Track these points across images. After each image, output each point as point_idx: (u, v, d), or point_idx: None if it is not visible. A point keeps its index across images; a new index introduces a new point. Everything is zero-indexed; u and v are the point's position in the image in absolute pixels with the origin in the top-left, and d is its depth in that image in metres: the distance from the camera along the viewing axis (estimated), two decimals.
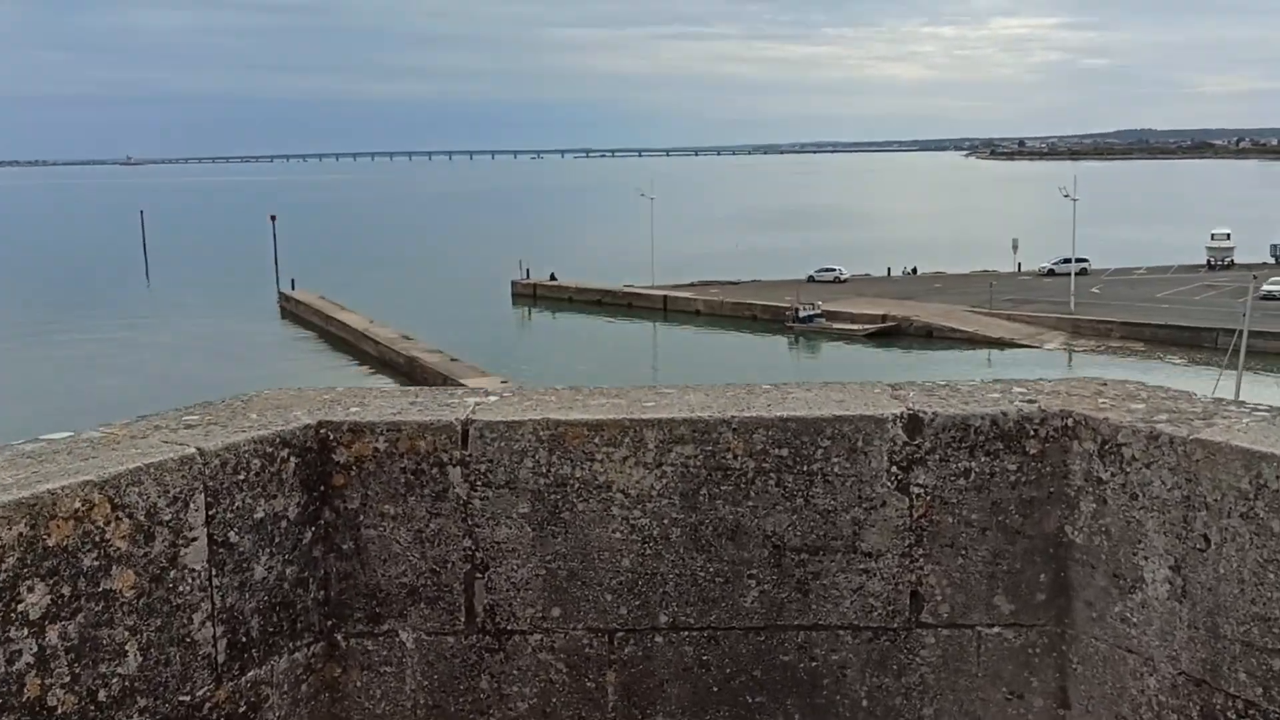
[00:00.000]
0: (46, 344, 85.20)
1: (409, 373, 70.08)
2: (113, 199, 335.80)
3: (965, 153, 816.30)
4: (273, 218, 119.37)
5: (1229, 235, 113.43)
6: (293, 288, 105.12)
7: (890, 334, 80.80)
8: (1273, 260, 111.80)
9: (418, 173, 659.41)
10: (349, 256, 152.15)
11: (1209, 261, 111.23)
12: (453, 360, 68.87)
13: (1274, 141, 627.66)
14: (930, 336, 79.58)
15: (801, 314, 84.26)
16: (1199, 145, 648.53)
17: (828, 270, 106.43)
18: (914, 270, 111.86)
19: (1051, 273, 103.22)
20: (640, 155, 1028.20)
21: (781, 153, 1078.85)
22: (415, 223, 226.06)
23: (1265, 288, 74.16)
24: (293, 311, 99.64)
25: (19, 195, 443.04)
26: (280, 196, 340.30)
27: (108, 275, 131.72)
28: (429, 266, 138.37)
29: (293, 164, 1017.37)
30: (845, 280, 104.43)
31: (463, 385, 60.91)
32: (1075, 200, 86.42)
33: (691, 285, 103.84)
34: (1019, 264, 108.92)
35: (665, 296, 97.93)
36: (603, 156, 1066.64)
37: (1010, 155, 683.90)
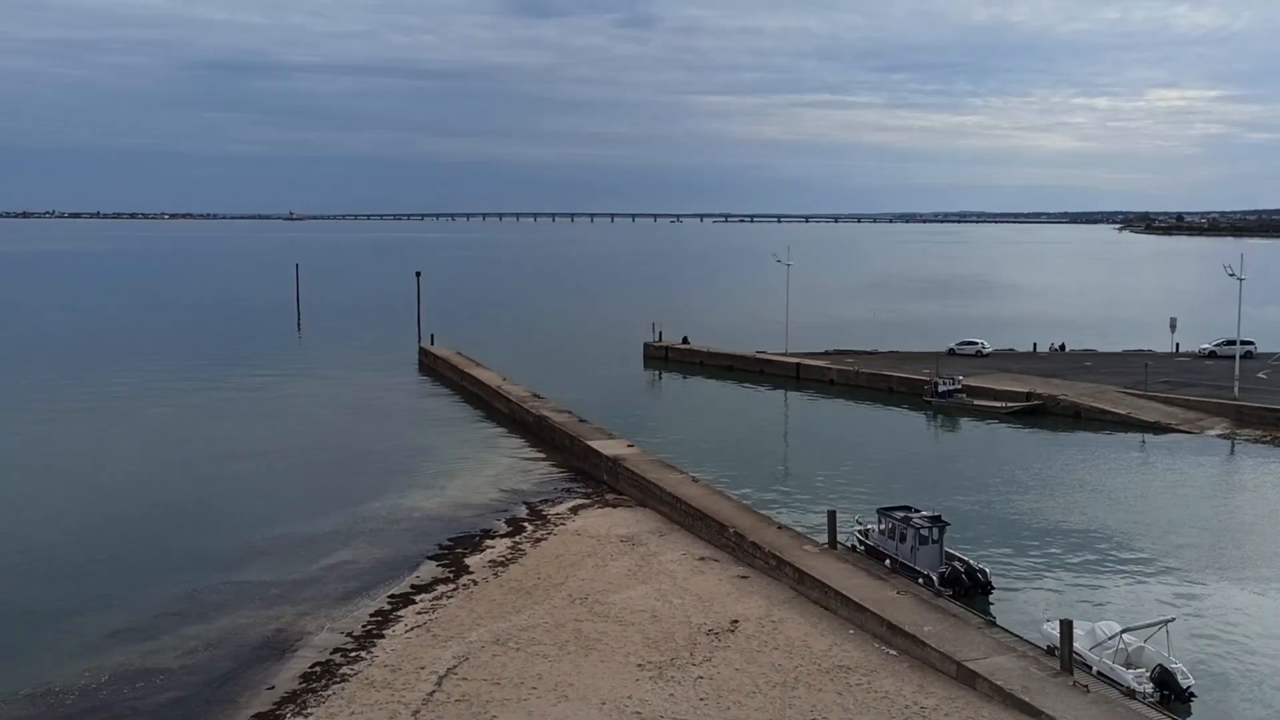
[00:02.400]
0: (201, 390, 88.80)
1: (538, 432, 70.12)
2: (274, 252, 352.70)
3: (1118, 226, 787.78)
4: (418, 274, 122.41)
5: None
6: (432, 343, 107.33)
7: (1035, 413, 77.12)
8: None
9: (561, 233, 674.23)
10: (489, 314, 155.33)
11: None
12: (581, 421, 68.52)
13: None
14: (1078, 417, 75.62)
15: (941, 388, 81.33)
16: None
17: (970, 344, 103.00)
18: (1062, 347, 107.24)
19: (1213, 355, 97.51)
20: (779, 221, 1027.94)
21: (924, 221, 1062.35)
22: (555, 282, 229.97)
23: None
24: (430, 366, 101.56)
25: (192, 245, 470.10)
26: (427, 253, 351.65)
27: (263, 326, 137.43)
28: (565, 326, 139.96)
29: (441, 222, 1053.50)
30: (988, 354, 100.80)
31: (590, 446, 60.48)
32: (1241, 279, 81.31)
33: (826, 354, 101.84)
34: (1177, 344, 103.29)
35: (798, 364, 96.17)
36: (742, 221, 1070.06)
37: (1167, 230, 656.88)
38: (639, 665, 33.80)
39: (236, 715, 31.64)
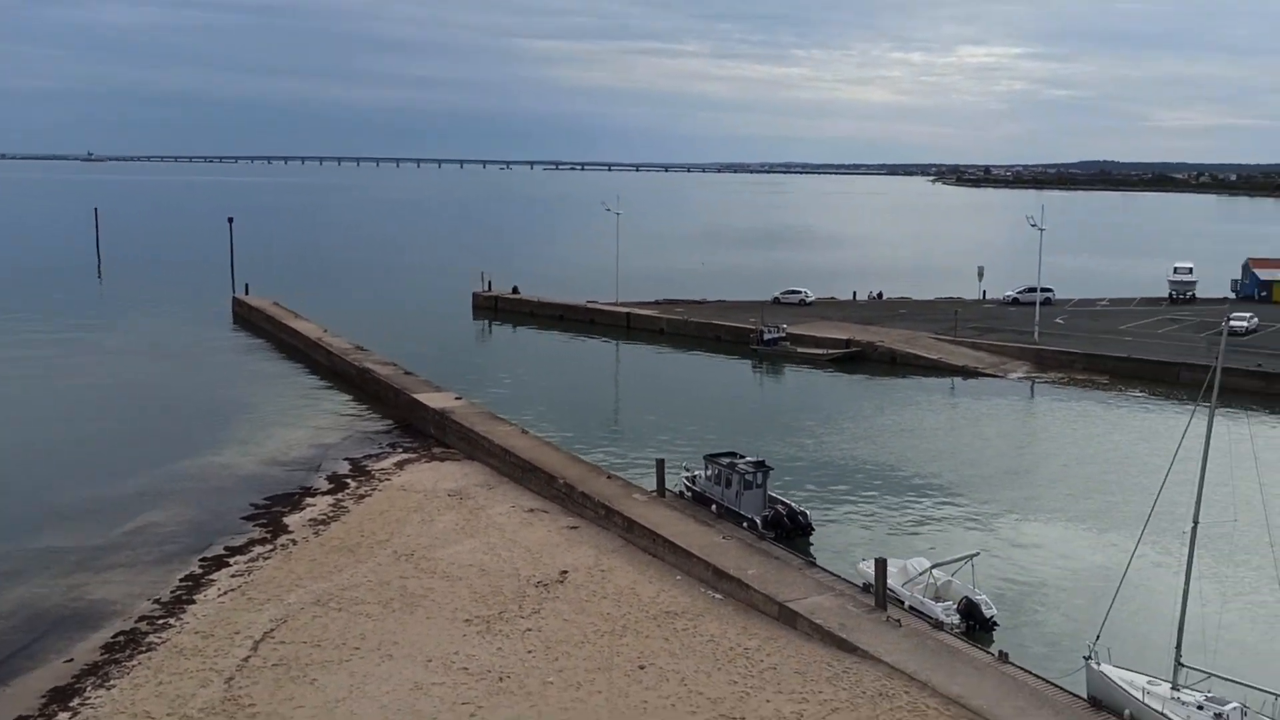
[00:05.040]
0: None
1: (361, 385, 68.13)
2: (70, 196, 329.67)
3: (932, 178, 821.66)
4: (230, 220, 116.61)
5: (1191, 269, 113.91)
6: (246, 293, 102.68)
7: (854, 359, 79.83)
8: (1233, 295, 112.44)
9: (384, 179, 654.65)
10: (306, 263, 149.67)
11: (1171, 295, 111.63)
12: (406, 374, 66.93)
13: (1233, 177, 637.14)
14: (894, 363, 78.71)
15: (766, 336, 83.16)
16: (1159, 178, 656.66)
17: (793, 292, 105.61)
18: (879, 295, 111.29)
19: (1016, 301, 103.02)
20: (610, 169, 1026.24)
21: (751, 172, 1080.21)
22: (377, 231, 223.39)
23: (1230, 323, 74.04)
24: (245, 318, 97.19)
25: None
26: (241, 199, 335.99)
27: (59, 274, 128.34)
28: (389, 276, 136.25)
29: (256, 166, 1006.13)
30: (810, 303, 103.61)
31: (416, 399, 59.13)
32: (1041, 229, 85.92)
33: (656, 303, 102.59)
34: (984, 291, 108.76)
35: (629, 314, 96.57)
36: (572, 169, 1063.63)
37: (976, 182, 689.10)
38: (466, 620, 33.36)
39: (29, 691, 29.58)
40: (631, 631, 32.56)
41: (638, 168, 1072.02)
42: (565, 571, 37.47)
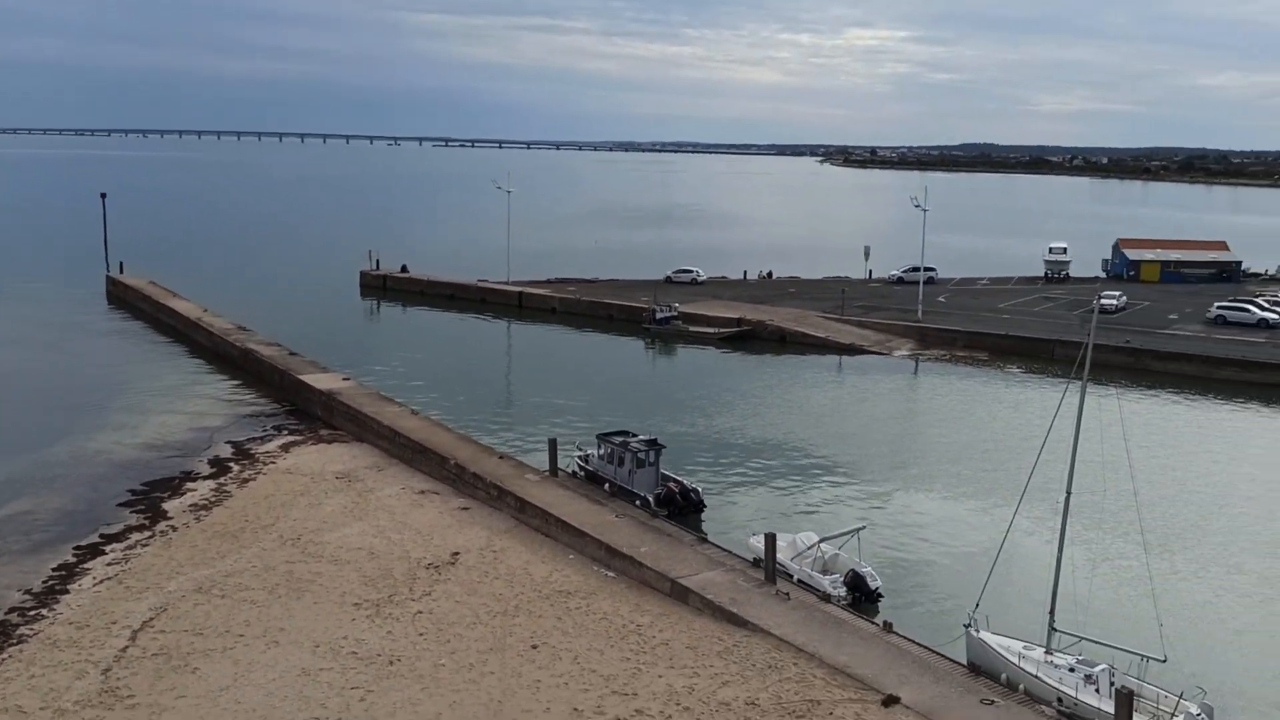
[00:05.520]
0: None
1: (244, 367, 66.26)
2: None
3: (820, 159, 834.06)
4: (103, 195, 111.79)
5: (1065, 249, 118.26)
6: (121, 271, 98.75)
7: (745, 338, 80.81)
8: (1104, 274, 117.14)
9: (265, 154, 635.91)
10: (185, 241, 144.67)
11: (1047, 274, 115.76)
12: (291, 354, 65.31)
13: (1104, 160, 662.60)
14: (783, 341, 79.91)
15: (658, 315, 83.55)
16: (1036, 161, 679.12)
17: (685, 271, 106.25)
18: (769, 274, 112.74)
19: (901, 280, 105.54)
20: (501, 147, 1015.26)
21: (642, 150, 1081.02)
22: (260, 207, 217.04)
23: (1101, 301, 77.10)
24: (120, 297, 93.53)
25: None
26: (114, 174, 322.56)
27: None
28: (273, 254, 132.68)
29: (131, 139, 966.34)
30: (702, 282, 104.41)
31: (302, 380, 57.77)
32: (925, 210, 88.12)
33: (548, 283, 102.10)
34: (870, 271, 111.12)
35: (521, 293, 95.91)
36: (463, 146, 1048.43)
37: (863, 163, 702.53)
38: (355, 604, 32.83)
39: None
40: (524, 611, 32.49)
41: (529, 145, 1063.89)
42: (457, 553, 37.16)
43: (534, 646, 30.13)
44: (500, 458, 46.06)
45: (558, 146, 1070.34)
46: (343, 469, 46.86)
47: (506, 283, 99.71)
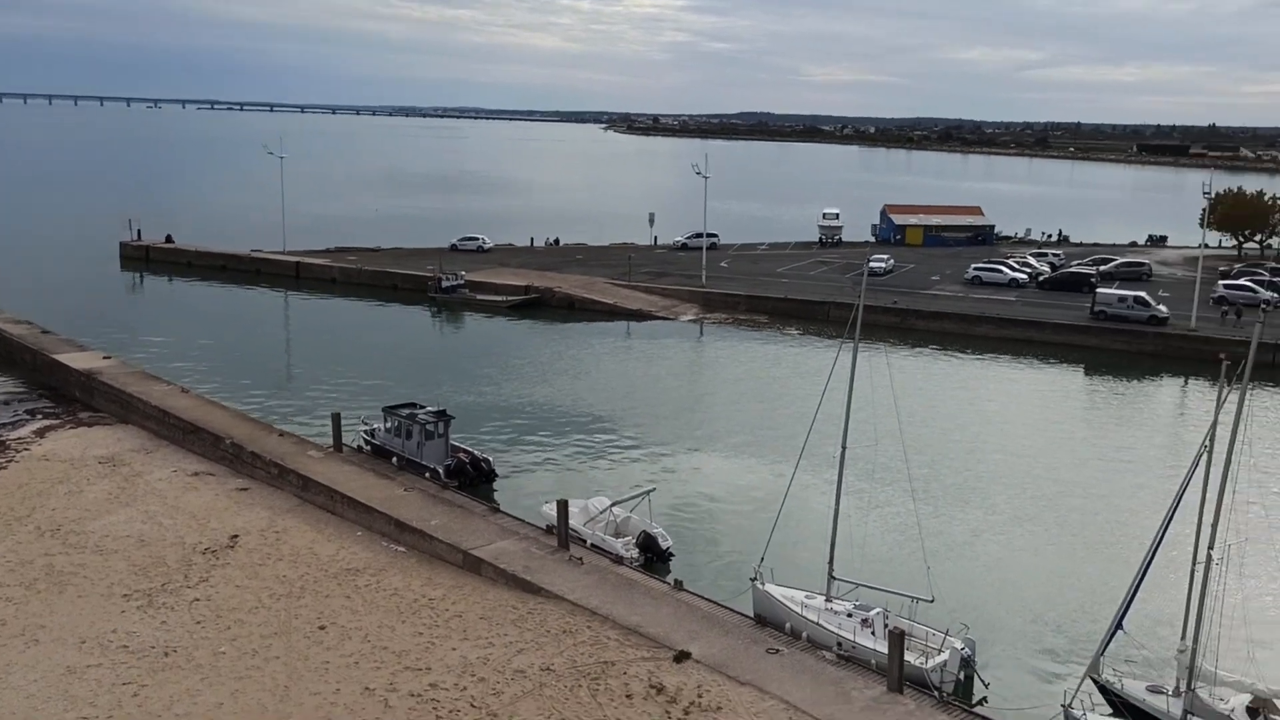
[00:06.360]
0: None
1: None
2: None
3: (604, 126, 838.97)
4: None
5: (838, 214, 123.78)
6: None
7: (534, 305, 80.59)
8: (873, 239, 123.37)
9: (8, 116, 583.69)
10: None
11: (821, 239, 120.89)
12: (44, 333, 60.49)
13: (872, 130, 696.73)
14: (572, 308, 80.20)
15: (444, 284, 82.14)
16: (810, 130, 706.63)
17: (471, 239, 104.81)
18: (556, 241, 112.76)
19: (685, 246, 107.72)
20: (272, 110, 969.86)
21: (424, 115, 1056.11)
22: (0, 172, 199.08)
23: (870, 265, 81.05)
24: None
25: None
26: None
27: None
28: (18, 223, 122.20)
29: None
30: (489, 250, 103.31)
31: (56, 360, 53.64)
32: (706, 177, 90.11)
33: (327, 252, 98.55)
34: (655, 237, 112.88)
35: (298, 263, 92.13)
36: (230, 109, 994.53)
37: (646, 130, 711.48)
38: (125, 595, 30.88)
39: None
40: (310, 592, 31.43)
41: (303, 109, 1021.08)
42: (236, 536, 35.52)
43: (321, 627, 29.21)
44: (281, 434, 44.26)
45: (334, 110, 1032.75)
46: (106, 453, 43.87)
47: (282, 252, 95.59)
